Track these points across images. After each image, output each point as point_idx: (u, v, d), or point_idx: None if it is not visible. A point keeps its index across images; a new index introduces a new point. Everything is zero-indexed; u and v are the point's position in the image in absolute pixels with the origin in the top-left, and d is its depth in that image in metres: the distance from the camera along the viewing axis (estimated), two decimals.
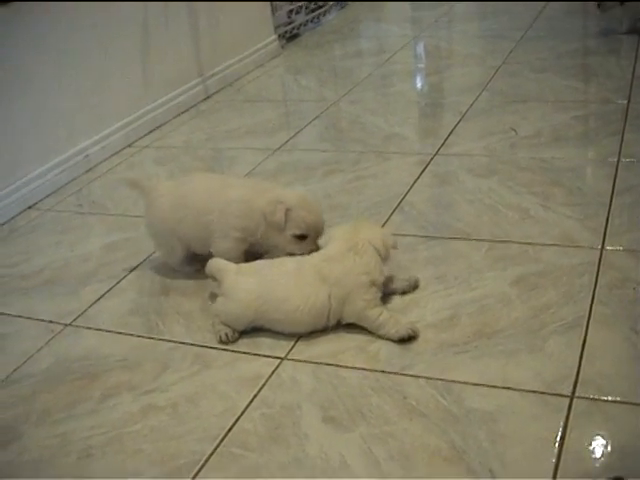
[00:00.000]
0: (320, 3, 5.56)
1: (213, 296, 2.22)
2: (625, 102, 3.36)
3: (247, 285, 2.09)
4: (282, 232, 2.26)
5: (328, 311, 2.05)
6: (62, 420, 1.89)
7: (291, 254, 2.27)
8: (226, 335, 2.08)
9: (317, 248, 2.25)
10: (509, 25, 4.86)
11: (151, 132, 3.79)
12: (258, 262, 2.21)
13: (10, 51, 3.09)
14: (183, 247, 2.42)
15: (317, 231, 2.28)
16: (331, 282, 2.04)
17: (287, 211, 2.23)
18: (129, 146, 3.66)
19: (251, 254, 2.39)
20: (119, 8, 3.62)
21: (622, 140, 2.99)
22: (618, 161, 2.82)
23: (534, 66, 4.00)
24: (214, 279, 2.20)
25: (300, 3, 5.26)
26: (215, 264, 2.18)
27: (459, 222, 2.55)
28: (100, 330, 2.24)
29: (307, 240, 2.27)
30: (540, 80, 3.78)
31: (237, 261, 2.32)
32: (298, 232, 2.25)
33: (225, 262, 2.19)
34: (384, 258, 2.13)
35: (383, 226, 2.56)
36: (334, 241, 2.13)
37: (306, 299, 2.03)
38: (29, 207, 3.13)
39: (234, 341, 2.09)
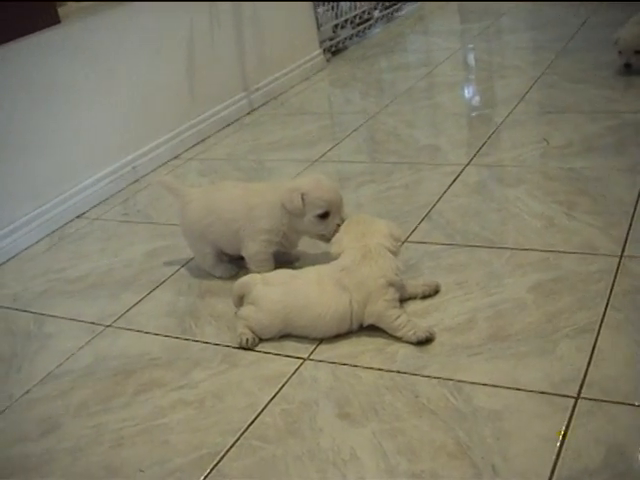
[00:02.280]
0: (366, 16, 5.68)
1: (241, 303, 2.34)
2: None
3: (274, 295, 2.21)
4: (304, 216, 2.41)
5: (350, 315, 2.16)
6: (97, 412, 2.04)
7: (321, 236, 2.45)
8: (247, 340, 2.20)
9: (342, 221, 2.40)
10: (552, 36, 4.89)
11: (196, 145, 3.95)
12: (282, 272, 2.33)
13: (64, 67, 3.26)
14: (213, 249, 2.58)
15: (337, 206, 2.43)
16: (351, 289, 2.15)
17: (303, 195, 2.38)
18: (175, 158, 3.82)
19: (281, 261, 2.53)
20: (166, 24, 3.79)
21: None
22: None
23: (572, 77, 4.04)
24: (239, 302, 2.32)
25: (345, 17, 5.38)
26: (241, 280, 2.31)
27: (484, 230, 2.63)
28: (138, 331, 2.39)
29: (330, 217, 2.41)
30: (577, 91, 3.82)
31: (268, 264, 2.48)
32: (319, 211, 2.40)
33: (250, 276, 2.32)
34: (396, 254, 2.24)
35: (410, 235, 2.66)
36: (346, 251, 2.24)
37: (328, 306, 2.15)
38: (78, 216, 3.30)
39: (254, 347, 2.20)
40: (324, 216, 2.42)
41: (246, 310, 2.24)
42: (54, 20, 3.31)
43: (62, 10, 3.44)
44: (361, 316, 2.17)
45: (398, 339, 2.12)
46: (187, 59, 3.92)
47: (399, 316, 2.13)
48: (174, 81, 3.87)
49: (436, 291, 2.32)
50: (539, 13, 5.64)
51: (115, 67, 3.52)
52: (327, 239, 2.43)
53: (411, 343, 2.10)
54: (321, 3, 5.10)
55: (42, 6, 3.25)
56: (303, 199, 2.40)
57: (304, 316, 2.17)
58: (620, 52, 3.93)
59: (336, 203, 2.43)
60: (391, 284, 2.17)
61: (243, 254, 2.53)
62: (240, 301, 2.31)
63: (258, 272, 2.39)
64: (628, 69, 3.93)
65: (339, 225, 2.41)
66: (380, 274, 2.16)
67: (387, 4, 6.01)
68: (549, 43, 4.76)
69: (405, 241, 2.61)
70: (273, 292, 2.22)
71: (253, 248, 2.49)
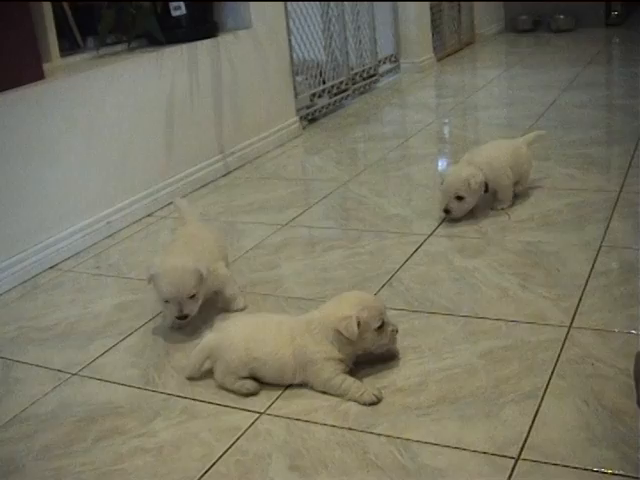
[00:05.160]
0: (344, 87, 5.86)
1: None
2: (618, 191, 3.54)
3: (232, 331, 2.34)
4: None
5: (293, 367, 2.27)
6: (59, 456, 2.10)
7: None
8: (247, 389, 2.27)
9: (181, 312, 2.57)
10: (521, 114, 5.09)
11: (171, 204, 4.00)
12: (239, 316, 2.53)
13: (45, 121, 3.36)
14: None
15: (175, 300, 2.57)
16: (294, 345, 2.27)
17: (152, 276, 2.59)
18: (149, 215, 3.91)
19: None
20: (148, 86, 3.93)
21: (607, 227, 3.16)
22: (600, 247, 2.99)
23: (538, 154, 4.14)
24: (198, 368, 2.41)
25: (323, 87, 5.56)
26: (197, 348, 2.40)
27: (441, 298, 2.74)
28: (103, 380, 2.46)
29: (169, 305, 2.59)
30: (541, 168, 3.95)
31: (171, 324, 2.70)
32: (161, 296, 2.59)
33: (203, 340, 2.42)
34: (345, 340, 2.25)
35: None
36: (318, 310, 2.35)
37: (277, 348, 2.27)
38: (51, 267, 3.37)
39: (256, 392, 2.28)
40: (166, 301, 2.59)
41: (217, 367, 2.33)
42: (38, 76, 3.43)
43: (47, 66, 3.58)
44: (303, 374, 2.27)
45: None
46: (166, 120, 4.05)
47: (343, 381, 2.22)
48: (152, 141, 3.98)
49: (394, 355, 2.40)
50: (513, 91, 5.88)
51: (95, 124, 3.63)
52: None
53: (359, 403, 2.20)
54: (300, 72, 5.29)
55: (28, 62, 3.38)
56: (152, 279, 2.60)
57: (261, 349, 2.27)
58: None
59: (173, 298, 2.57)
60: (331, 360, 2.25)
61: None
62: (200, 366, 2.39)
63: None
64: (447, 215, 3.40)
65: (177, 316, 2.58)
66: (315, 349, 2.25)
67: (365, 75, 6.21)
68: (518, 121, 4.95)
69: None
70: (231, 329, 2.35)
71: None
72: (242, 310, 2.77)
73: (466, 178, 3.31)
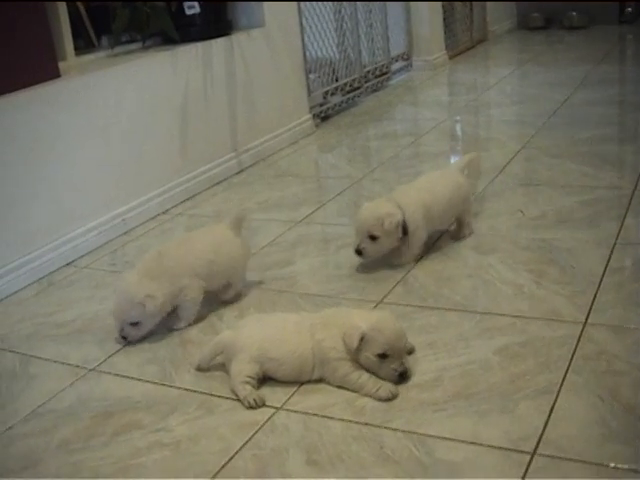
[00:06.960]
0: (357, 84, 5.87)
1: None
2: (632, 188, 3.53)
3: (247, 330, 2.36)
4: None
5: (313, 365, 2.28)
6: (77, 450, 2.13)
7: None
8: (254, 400, 2.23)
9: (121, 332, 2.65)
10: (534, 112, 5.08)
11: (185, 201, 4.07)
12: (256, 315, 2.54)
13: (61, 120, 3.39)
14: None
15: (117, 321, 2.67)
16: (314, 341, 2.28)
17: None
18: (164, 213, 3.93)
19: None
20: (162, 84, 3.95)
21: (622, 224, 3.16)
22: (614, 244, 2.98)
23: (550, 152, 4.19)
24: (208, 359, 2.43)
25: (336, 85, 5.58)
26: (214, 340, 2.44)
27: (456, 295, 2.75)
28: (119, 376, 2.48)
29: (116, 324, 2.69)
30: (554, 165, 3.97)
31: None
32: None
33: (222, 334, 2.45)
34: (346, 347, 2.25)
35: (385, 297, 2.77)
36: (346, 308, 2.39)
37: (297, 346, 2.28)
38: (67, 264, 3.40)
39: (262, 404, 2.24)
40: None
41: (231, 368, 2.32)
42: (54, 74, 3.46)
43: (62, 65, 3.60)
44: (321, 371, 2.29)
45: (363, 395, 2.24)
46: (180, 118, 4.07)
47: (360, 376, 2.24)
48: (167, 139, 4.01)
49: (410, 352, 2.40)
50: (525, 88, 5.88)
51: (110, 122, 3.65)
52: None
53: (375, 399, 2.21)
54: (313, 70, 5.31)
55: (43, 60, 3.40)
56: None
57: (278, 349, 2.29)
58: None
59: (115, 318, 2.66)
60: (343, 359, 2.26)
61: None
62: (210, 359, 2.42)
63: None
64: (359, 256, 2.98)
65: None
66: (332, 345, 2.27)
67: (377, 73, 6.22)
68: (531, 118, 4.94)
69: (380, 302, 2.74)
70: (246, 330, 2.36)
71: None
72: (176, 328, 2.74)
73: (380, 217, 2.89)
